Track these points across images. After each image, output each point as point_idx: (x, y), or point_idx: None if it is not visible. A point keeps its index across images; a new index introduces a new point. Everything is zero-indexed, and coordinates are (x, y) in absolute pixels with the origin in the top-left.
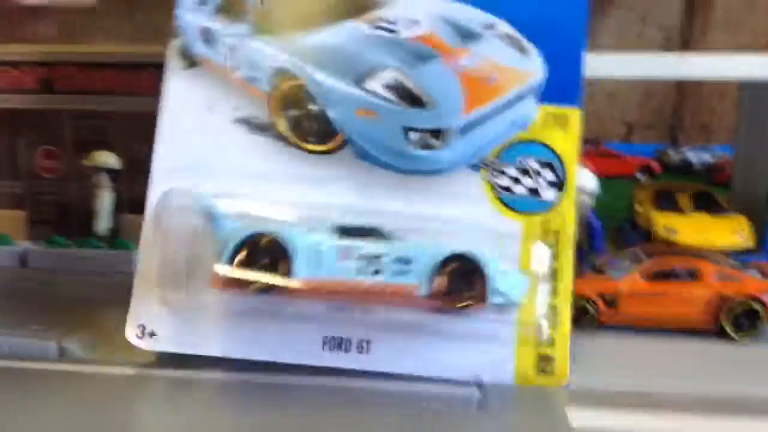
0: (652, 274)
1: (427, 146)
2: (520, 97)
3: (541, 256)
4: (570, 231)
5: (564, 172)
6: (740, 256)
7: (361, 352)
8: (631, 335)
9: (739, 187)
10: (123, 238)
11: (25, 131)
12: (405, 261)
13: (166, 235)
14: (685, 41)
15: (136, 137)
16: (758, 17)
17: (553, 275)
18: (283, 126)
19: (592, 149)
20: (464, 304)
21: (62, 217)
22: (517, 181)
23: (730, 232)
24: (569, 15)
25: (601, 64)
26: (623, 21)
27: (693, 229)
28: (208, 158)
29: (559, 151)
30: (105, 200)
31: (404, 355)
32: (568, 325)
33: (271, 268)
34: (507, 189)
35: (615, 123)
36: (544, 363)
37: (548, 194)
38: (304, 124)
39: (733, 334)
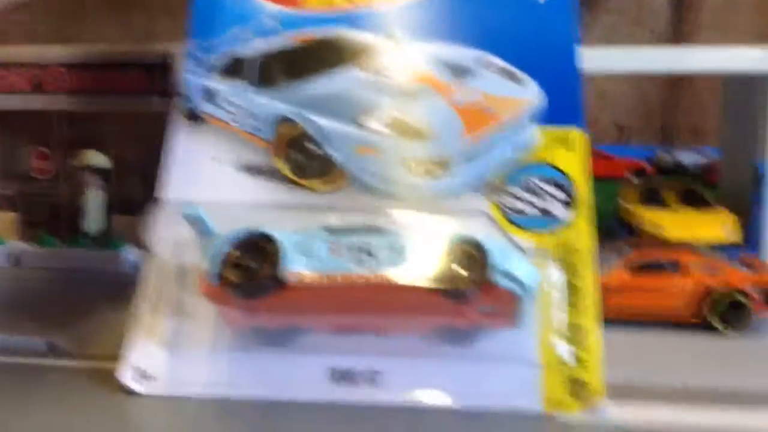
0: (636, 267)
1: (429, 175)
2: (519, 123)
3: (554, 272)
4: (589, 247)
5: (574, 190)
6: (727, 251)
7: (371, 384)
8: (617, 329)
9: (726, 183)
10: (114, 237)
11: (17, 133)
12: (401, 249)
13: (154, 252)
14: (675, 43)
15: (127, 138)
16: (744, 19)
17: (575, 292)
18: (285, 168)
19: None
20: (466, 285)
21: (54, 218)
22: (526, 202)
23: (715, 227)
24: (561, 42)
25: (592, 59)
26: (614, 25)
27: (679, 224)
28: (211, 202)
29: (565, 170)
30: (95, 200)
31: (418, 385)
32: (600, 345)
33: (261, 267)
34: (515, 210)
35: (608, 126)
36: (576, 387)
37: (560, 212)
38: (306, 165)
39: (719, 327)
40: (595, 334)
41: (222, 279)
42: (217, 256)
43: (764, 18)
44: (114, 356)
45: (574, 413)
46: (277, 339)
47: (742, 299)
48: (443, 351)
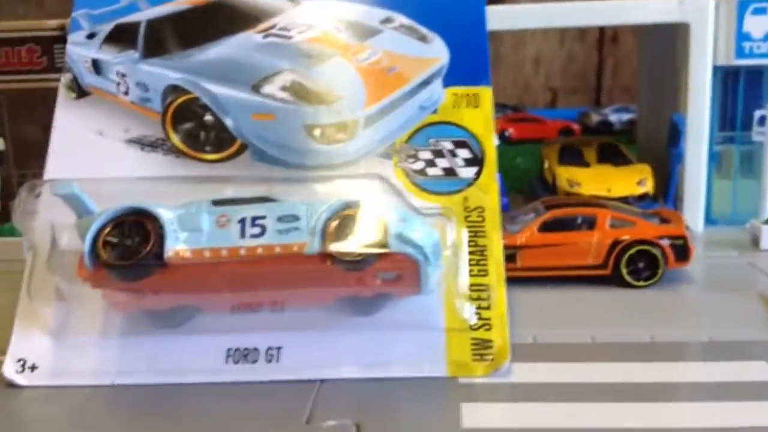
0: (548, 225)
1: (332, 140)
2: (425, 83)
3: (457, 233)
4: (494, 206)
5: (480, 149)
6: (646, 205)
7: (270, 360)
8: (532, 288)
9: (642, 138)
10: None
11: None
12: (290, 218)
13: (30, 237)
14: None
15: (26, 118)
16: None
17: (481, 252)
18: (176, 140)
19: (513, 115)
20: (360, 253)
21: None
22: (431, 163)
23: (630, 181)
24: (468, 0)
25: (520, 17)
26: None
27: (595, 180)
28: (92, 179)
29: (472, 129)
30: None
31: (319, 358)
32: (505, 305)
33: (139, 246)
34: (420, 172)
35: (540, 90)
36: (481, 348)
37: (465, 172)
38: (199, 135)
39: (628, 279)
40: (500, 293)
41: (98, 260)
42: (91, 236)
43: None
44: (3, 349)
45: (479, 376)
46: (168, 321)
47: (651, 250)
48: (346, 321)
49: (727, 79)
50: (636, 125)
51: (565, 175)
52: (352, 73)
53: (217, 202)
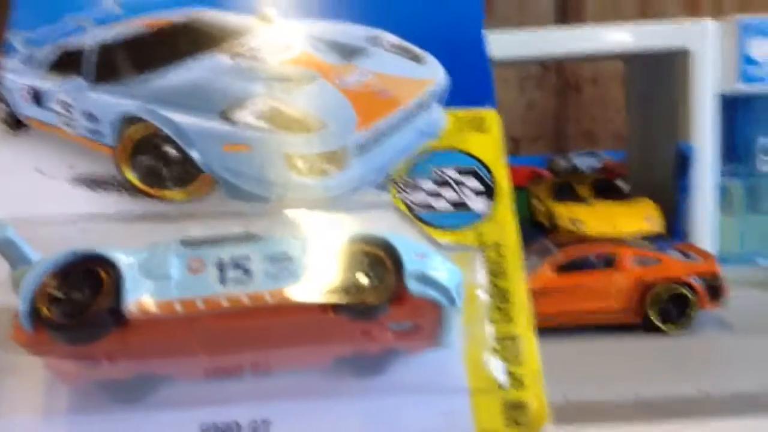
0: (564, 267)
1: (318, 172)
2: (421, 106)
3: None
4: (514, 242)
5: (491, 178)
6: (656, 242)
7: None
8: (548, 338)
9: (634, 174)
10: None
11: None
12: (282, 258)
13: None
14: None
15: None
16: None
17: (503, 296)
18: (133, 177)
19: None
20: (374, 298)
21: None
22: (436, 195)
23: (638, 218)
24: (465, 15)
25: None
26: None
27: (599, 217)
28: (38, 227)
29: (480, 156)
30: None
31: None
32: (537, 358)
33: (91, 300)
34: (424, 205)
35: None
36: (515, 411)
37: (476, 204)
38: (161, 172)
39: (660, 325)
40: (530, 344)
41: (39, 319)
42: (29, 290)
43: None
44: None
45: None
46: (128, 393)
47: (685, 292)
48: (348, 386)
49: (731, 107)
50: (606, 170)
51: (566, 213)
52: (337, 97)
53: (187, 243)
